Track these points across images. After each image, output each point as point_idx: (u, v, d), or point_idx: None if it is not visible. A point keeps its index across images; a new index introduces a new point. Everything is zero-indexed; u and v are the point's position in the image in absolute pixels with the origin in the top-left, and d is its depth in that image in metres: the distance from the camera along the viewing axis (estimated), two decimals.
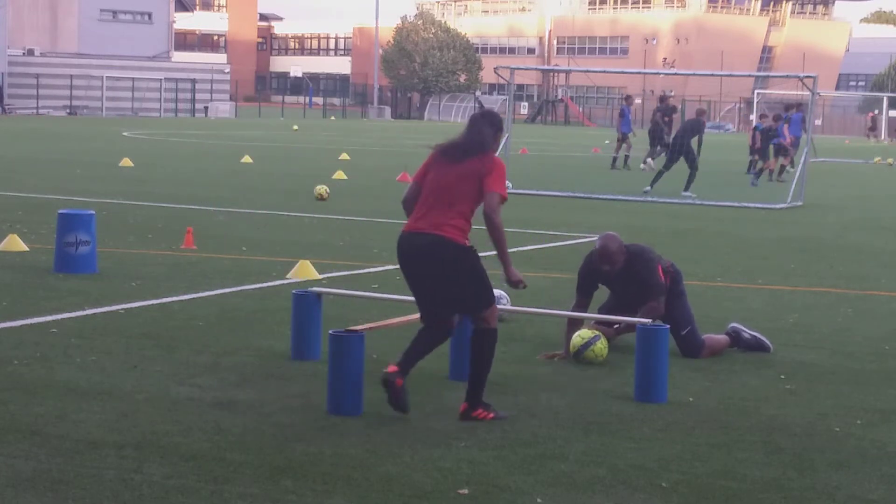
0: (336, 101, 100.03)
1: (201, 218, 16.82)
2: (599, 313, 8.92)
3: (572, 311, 8.79)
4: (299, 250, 13.50)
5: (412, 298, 9.21)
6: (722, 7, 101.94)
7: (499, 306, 9.39)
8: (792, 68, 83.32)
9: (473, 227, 6.89)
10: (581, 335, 8.47)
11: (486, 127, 7.03)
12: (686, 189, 23.79)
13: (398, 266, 7.09)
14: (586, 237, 16.02)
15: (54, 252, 11.81)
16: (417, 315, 8.04)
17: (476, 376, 6.88)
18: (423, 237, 6.83)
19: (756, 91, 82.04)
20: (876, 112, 73.81)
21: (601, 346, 8.43)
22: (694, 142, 25.07)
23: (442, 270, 6.82)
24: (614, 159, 33.85)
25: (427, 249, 6.81)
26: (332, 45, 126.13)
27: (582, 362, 8.40)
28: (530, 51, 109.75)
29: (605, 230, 16.42)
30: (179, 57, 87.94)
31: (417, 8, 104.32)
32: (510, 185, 23.95)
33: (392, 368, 6.81)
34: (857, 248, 16.30)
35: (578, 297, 8.93)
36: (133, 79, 72.91)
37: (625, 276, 8.79)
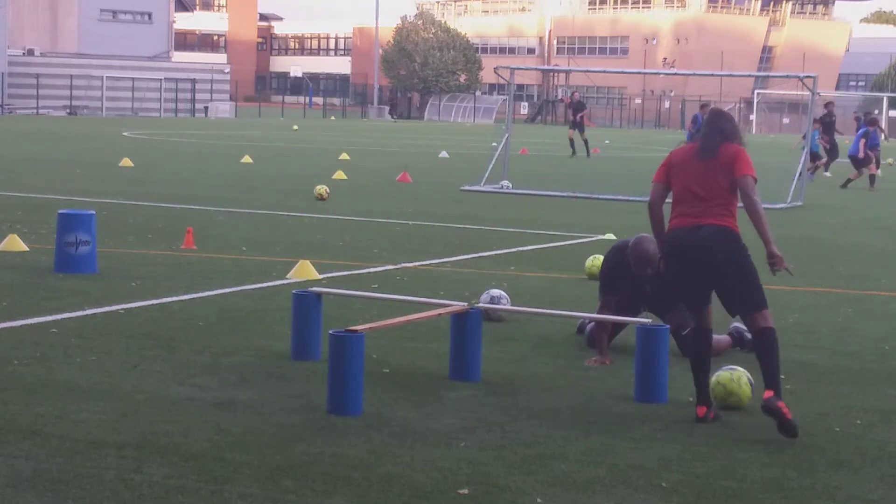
0: (336, 101, 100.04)
1: (201, 218, 16.82)
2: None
3: (600, 313, 8.51)
4: (299, 250, 13.50)
5: (412, 298, 9.25)
6: (722, 7, 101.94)
7: (499, 306, 9.43)
8: (792, 68, 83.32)
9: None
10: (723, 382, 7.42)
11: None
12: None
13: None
14: (586, 237, 16.02)
15: (54, 252, 11.80)
16: (417, 315, 8.06)
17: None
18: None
19: (756, 91, 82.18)
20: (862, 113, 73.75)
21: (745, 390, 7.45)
22: None
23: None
24: None
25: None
26: (332, 45, 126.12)
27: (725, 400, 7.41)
28: (530, 51, 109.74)
29: (604, 230, 16.51)
30: (179, 57, 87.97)
31: (417, 8, 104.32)
32: (510, 184, 24.02)
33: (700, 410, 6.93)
34: (857, 248, 16.30)
35: (605, 299, 8.68)
36: (133, 79, 72.93)
37: (654, 278, 8.71)
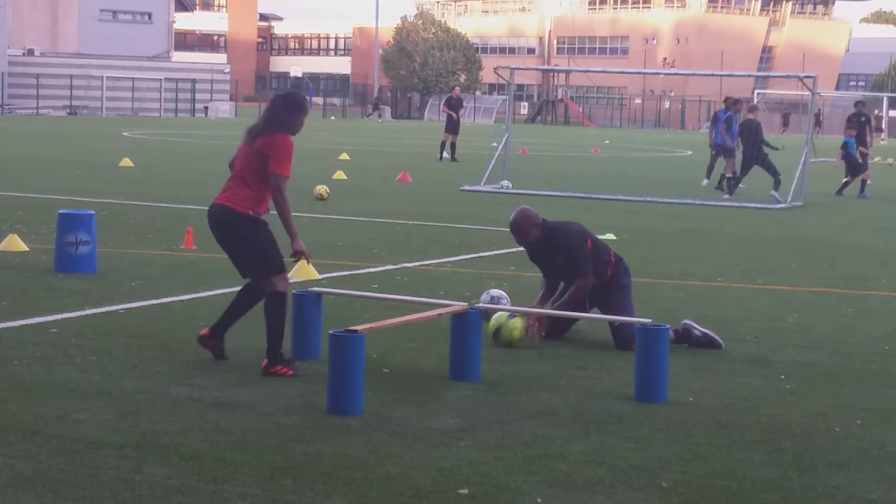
0: (336, 101, 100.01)
1: (201, 218, 16.76)
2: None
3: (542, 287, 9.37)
4: None
5: (412, 298, 9.26)
6: (722, 7, 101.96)
7: (499, 306, 9.43)
8: (792, 68, 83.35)
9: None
10: (498, 318, 8.81)
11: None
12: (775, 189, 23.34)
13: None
14: None
15: (54, 252, 11.80)
16: (417, 315, 8.07)
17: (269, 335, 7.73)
18: None
19: (756, 91, 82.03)
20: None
21: (514, 323, 8.76)
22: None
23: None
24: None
25: None
26: (332, 45, 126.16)
27: (500, 343, 8.77)
28: (530, 51, 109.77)
29: (604, 230, 16.50)
30: (179, 57, 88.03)
31: (417, 8, 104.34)
32: (510, 184, 24.01)
33: (204, 332, 7.96)
34: (857, 248, 16.30)
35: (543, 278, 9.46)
36: (133, 79, 72.97)
37: (544, 250, 9.04)
